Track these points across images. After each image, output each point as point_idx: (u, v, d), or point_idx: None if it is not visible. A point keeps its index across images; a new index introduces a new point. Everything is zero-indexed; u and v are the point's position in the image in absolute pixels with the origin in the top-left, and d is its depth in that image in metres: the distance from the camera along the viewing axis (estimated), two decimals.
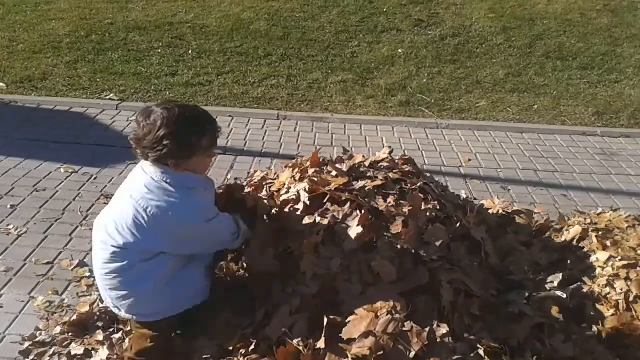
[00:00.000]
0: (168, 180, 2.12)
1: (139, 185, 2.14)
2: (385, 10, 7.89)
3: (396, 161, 2.89)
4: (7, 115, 4.96)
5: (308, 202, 2.54)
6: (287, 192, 2.70)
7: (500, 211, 3.08)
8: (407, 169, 2.79)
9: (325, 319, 2.22)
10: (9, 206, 3.58)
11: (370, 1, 8.12)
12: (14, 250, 3.18)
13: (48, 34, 6.77)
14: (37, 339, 2.58)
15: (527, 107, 5.70)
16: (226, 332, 2.40)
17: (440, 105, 5.69)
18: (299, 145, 4.79)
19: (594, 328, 2.37)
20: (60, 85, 5.64)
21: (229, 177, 4.15)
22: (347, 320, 2.22)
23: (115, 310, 2.34)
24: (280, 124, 5.20)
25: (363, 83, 6.10)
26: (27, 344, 2.55)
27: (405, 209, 2.48)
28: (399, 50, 6.85)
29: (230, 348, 2.35)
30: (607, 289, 2.45)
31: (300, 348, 2.20)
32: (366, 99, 5.77)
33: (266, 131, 5.02)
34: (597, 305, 2.43)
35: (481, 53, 6.90)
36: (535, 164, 4.60)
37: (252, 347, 2.29)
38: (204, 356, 2.38)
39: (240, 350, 2.32)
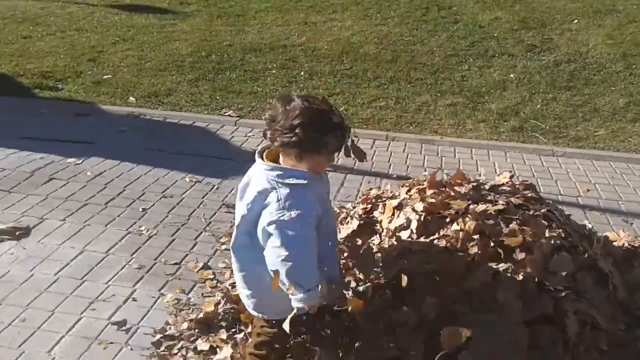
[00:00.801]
0: (278, 176, 2.07)
1: (254, 184, 2.16)
2: (495, 35, 7.82)
3: (517, 186, 2.87)
4: (136, 126, 5.36)
5: (415, 230, 2.56)
6: (398, 217, 2.74)
7: (626, 244, 2.96)
8: (529, 195, 2.76)
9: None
10: (140, 209, 3.88)
11: (480, 26, 8.08)
12: (146, 250, 3.44)
13: (172, 54, 7.26)
14: (166, 333, 2.77)
15: None
16: (344, 344, 2.45)
17: (556, 132, 5.54)
18: (407, 167, 4.83)
19: None
20: (183, 101, 6.03)
21: (338, 194, 4.25)
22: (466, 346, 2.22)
23: (247, 308, 2.37)
24: (389, 144, 5.26)
25: (473, 107, 6.06)
26: (158, 336, 2.74)
27: (528, 236, 2.45)
28: (511, 75, 6.75)
29: None
30: None
31: None
32: (477, 122, 5.72)
33: (375, 151, 5.09)
34: None
35: (599, 80, 6.64)
36: None
37: None
38: None
39: None
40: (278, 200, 2.02)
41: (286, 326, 2.10)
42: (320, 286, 2.09)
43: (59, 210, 3.81)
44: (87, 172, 4.36)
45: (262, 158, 2.15)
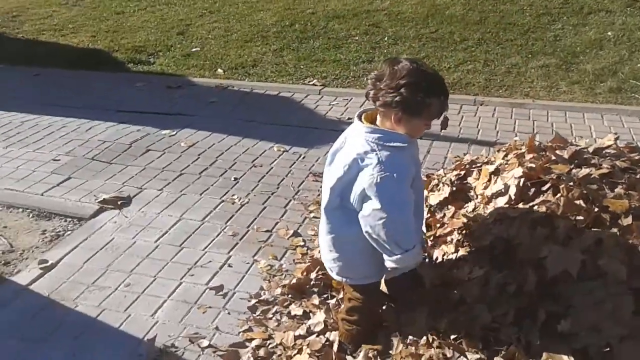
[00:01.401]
0: (379, 138, 2.07)
1: (351, 146, 2.15)
2: None
3: (622, 149, 2.71)
4: (225, 98, 5.50)
5: (513, 196, 2.48)
6: (495, 183, 2.66)
7: None
8: (635, 157, 2.60)
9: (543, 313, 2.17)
10: (232, 179, 4.00)
11: None
12: (239, 218, 3.55)
13: (257, 24, 7.35)
14: (261, 298, 2.86)
15: None
16: (438, 312, 2.44)
17: None
18: (497, 132, 4.68)
19: None
20: (269, 71, 6.11)
21: (425, 161, 4.19)
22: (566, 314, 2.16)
23: (330, 273, 2.41)
24: (477, 109, 5.11)
25: (567, 68, 5.75)
26: (253, 301, 2.84)
27: (635, 201, 2.32)
28: (609, 33, 6.33)
29: (441, 329, 2.39)
30: None
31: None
32: (571, 84, 5.43)
33: (462, 117, 4.97)
34: None
35: None
36: None
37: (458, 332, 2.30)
38: (410, 332, 2.45)
39: (451, 335, 2.33)
40: (379, 163, 2.03)
41: (383, 287, 2.13)
42: (416, 246, 2.12)
43: (156, 180, 4.00)
44: (181, 143, 4.54)
45: (361, 120, 2.15)
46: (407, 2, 7.52)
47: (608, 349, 2.07)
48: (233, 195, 3.79)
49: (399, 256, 2.09)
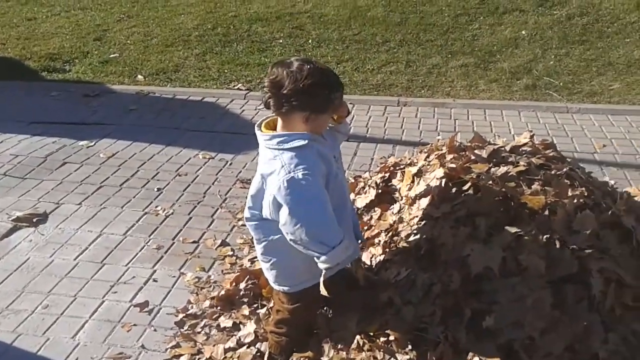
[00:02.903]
0: (279, 142, 2.02)
1: (260, 157, 2.12)
2: None
3: (537, 146, 2.81)
4: (146, 105, 5.34)
5: (436, 197, 2.53)
6: (418, 184, 2.70)
7: None
8: (550, 154, 2.70)
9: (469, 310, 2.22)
10: (155, 189, 3.87)
11: None
12: (163, 230, 3.44)
13: (178, 28, 7.18)
14: (189, 312, 2.78)
15: None
16: (368, 316, 2.45)
17: (570, 88, 5.42)
18: (421, 132, 4.77)
19: None
20: (191, 76, 5.98)
21: (352, 163, 4.21)
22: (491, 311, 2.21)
23: (273, 285, 2.33)
24: (401, 110, 5.19)
25: (485, 67, 5.94)
26: (180, 316, 2.75)
27: (551, 197, 2.41)
28: (523, 32, 6.60)
29: (371, 333, 2.39)
30: None
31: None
32: (489, 82, 5.62)
33: (387, 118, 5.04)
34: None
35: (612, 32, 6.47)
36: None
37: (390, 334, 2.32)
38: (341, 337, 2.44)
39: (381, 337, 2.34)
40: (282, 166, 1.98)
41: (323, 291, 2.08)
42: (342, 241, 2.05)
43: (74, 194, 3.82)
44: (100, 154, 4.36)
45: (261, 130, 2.11)
46: (329, 5, 7.56)
47: (531, 342, 2.13)
48: (157, 206, 3.67)
49: (327, 255, 2.03)
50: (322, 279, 2.08)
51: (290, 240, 2.04)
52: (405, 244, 2.55)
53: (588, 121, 4.82)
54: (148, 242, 3.32)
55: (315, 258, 2.06)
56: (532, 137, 2.82)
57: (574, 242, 2.30)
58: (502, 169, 2.54)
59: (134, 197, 3.78)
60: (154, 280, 3.01)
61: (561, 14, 6.92)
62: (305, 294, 2.28)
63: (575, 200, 2.40)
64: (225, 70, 6.07)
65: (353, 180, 3.42)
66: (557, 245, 2.29)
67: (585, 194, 2.46)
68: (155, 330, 2.68)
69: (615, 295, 2.24)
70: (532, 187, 2.45)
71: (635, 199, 2.95)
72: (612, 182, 3.30)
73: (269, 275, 2.31)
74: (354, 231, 2.35)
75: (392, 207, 2.77)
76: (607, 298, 2.22)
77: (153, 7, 7.94)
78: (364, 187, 3.12)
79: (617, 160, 4.20)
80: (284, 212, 1.99)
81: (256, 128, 2.14)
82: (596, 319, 2.18)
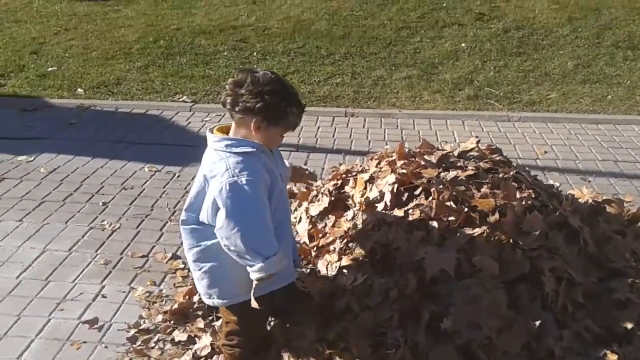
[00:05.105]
0: (227, 145, 2.01)
1: (204, 159, 2.10)
2: (444, 5, 7.86)
3: (484, 151, 2.88)
4: (87, 118, 5.17)
5: (389, 202, 2.56)
6: (371, 190, 2.73)
7: (590, 201, 3.02)
8: (497, 158, 2.78)
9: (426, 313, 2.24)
10: (100, 204, 3.75)
11: None
12: (110, 245, 3.32)
13: (118, 41, 7.02)
14: (141, 327, 2.69)
15: (601, 98, 5.56)
16: (326, 323, 2.43)
17: (510, 98, 5.62)
18: (369, 141, 4.82)
19: None
20: (134, 89, 5.85)
21: None
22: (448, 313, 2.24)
23: (204, 298, 2.24)
24: (349, 121, 5.24)
25: (428, 78, 6.08)
26: (132, 331, 2.66)
27: (500, 199, 2.47)
28: (462, 45, 6.81)
29: (330, 339, 2.37)
30: None
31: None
32: (433, 93, 5.75)
33: (336, 128, 5.07)
34: None
35: (547, 45, 6.77)
36: (614, 155, 4.49)
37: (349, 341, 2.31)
38: (300, 346, 2.41)
39: (340, 344, 2.33)
40: (227, 169, 1.95)
41: (254, 303, 2.03)
42: (277, 253, 1.99)
43: (14, 210, 3.65)
44: (41, 169, 4.19)
45: (212, 133, 2.09)
46: (273, 18, 7.58)
47: (488, 342, 2.17)
48: (102, 221, 3.55)
49: (261, 264, 1.96)
50: (252, 292, 2.03)
51: (225, 245, 1.99)
52: (360, 250, 2.56)
53: (529, 129, 5.00)
54: (95, 257, 3.20)
55: (248, 267, 2.01)
56: (478, 142, 2.90)
57: (524, 243, 2.37)
58: (452, 174, 2.60)
59: (78, 212, 3.65)
60: (103, 296, 2.91)
61: (498, 27, 7.19)
62: (244, 307, 2.12)
63: (523, 202, 2.48)
64: (169, 83, 5.97)
65: (305, 190, 3.40)
66: (509, 247, 2.36)
67: (533, 196, 2.54)
68: (106, 347, 2.58)
69: (566, 293, 2.32)
70: (482, 190, 2.52)
71: (579, 200, 3.07)
72: (557, 184, 3.42)
73: (200, 286, 2.21)
74: (292, 255, 2.29)
75: (346, 213, 2.77)
76: (559, 296, 2.30)
77: (92, 20, 7.74)
78: (317, 195, 3.11)
79: (559, 165, 4.36)
80: (222, 215, 1.95)
81: (207, 131, 2.12)
82: (550, 317, 2.25)
